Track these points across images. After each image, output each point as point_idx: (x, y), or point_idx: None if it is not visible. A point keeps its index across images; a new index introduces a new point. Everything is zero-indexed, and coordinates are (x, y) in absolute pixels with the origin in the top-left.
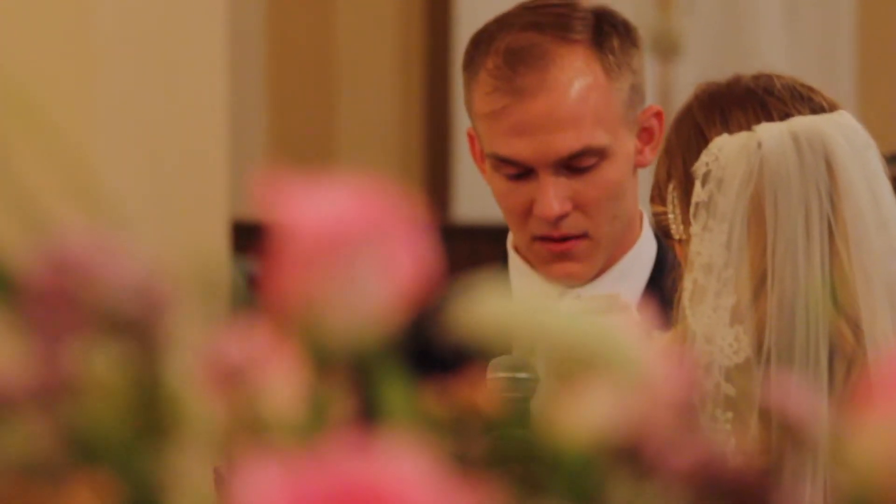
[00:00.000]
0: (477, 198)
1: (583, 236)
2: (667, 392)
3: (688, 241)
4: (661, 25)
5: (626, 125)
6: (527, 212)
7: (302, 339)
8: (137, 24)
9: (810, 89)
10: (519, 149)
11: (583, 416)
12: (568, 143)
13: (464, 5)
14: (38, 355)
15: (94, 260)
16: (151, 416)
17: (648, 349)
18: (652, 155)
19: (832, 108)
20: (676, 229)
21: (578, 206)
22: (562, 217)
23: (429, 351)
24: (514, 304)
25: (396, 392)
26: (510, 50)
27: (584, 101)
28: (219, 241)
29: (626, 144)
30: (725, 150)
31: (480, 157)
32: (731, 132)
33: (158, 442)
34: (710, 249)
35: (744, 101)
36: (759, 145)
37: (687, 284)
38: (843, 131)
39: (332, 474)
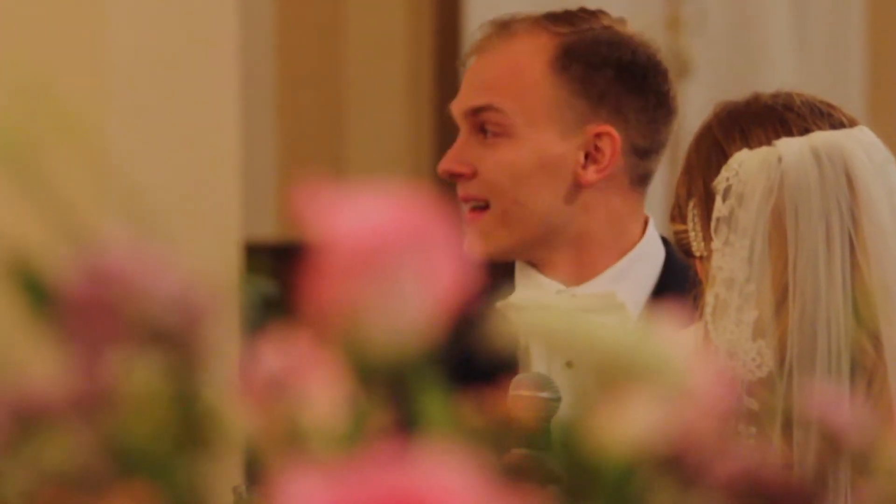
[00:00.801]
0: None
1: (484, 208)
2: (709, 401)
3: (709, 258)
4: (671, 46)
5: (553, 122)
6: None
7: (342, 349)
8: (147, 44)
9: (830, 106)
10: (454, 101)
11: (625, 426)
12: (474, 97)
13: (474, 26)
14: (78, 366)
15: (133, 271)
16: (191, 426)
17: (690, 360)
18: (594, 176)
19: (852, 124)
20: (697, 246)
21: (476, 175)
22: (455, 175)
23: (468, 360)
24: (553, 314)
25: (436, 402)
26: (493, 22)
27: (512, 71)
28: (230, 263)
29: (544, 140)
30: (746, 165)
31: None
32: (751, 148)
33: (198, 453)
34: (732, 264)
35: (763, 118)
36: (780, 160)
37: (709, 299)
38: (863, 146)
39: (373, 484)
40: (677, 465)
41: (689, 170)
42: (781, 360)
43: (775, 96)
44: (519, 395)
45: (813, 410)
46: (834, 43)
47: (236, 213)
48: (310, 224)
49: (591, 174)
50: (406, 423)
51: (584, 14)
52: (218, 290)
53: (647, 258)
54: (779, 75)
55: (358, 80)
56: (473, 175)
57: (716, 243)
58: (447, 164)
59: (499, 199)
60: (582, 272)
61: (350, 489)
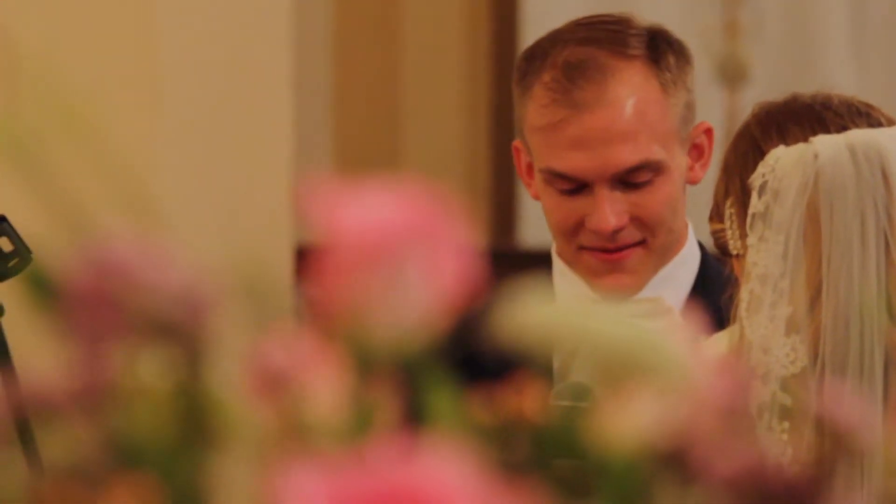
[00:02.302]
0: (543, 224)
1: (639, 244)
2: (713, 397)
3: (745, 255)
4: (728, 52)
5: (679, 141)
6: (577, 226)
7: (347, 343)
8: (201, 44)
9: (868, 106)
10: (576, 163)
11: (629, 421)
12: (626, 156)
13: (530, 27)
14: (81, 359)
15: (137, 264)
16: (194, 420)
17: (695, 355)
18: (702, 172)
19: (890, 124)
20: (734, 245)
21: (635, 220)
22: (617, 230)
23: (474, 356)
24: (559, 309)
25: (442, 397)
26: (568, 63)
27: (641, 115)
28: (283, 266)
29: (680, 160)
30: (782, 162)
31: (527, 170)
32: (787, 145)
33: (201, 446)
34: (767, 260)
35: (801, 116)
36: (816, 156)
37: (743, 295)
38: None
39: (374, 478)
40: (681, 461)
41: (726, 169)
42: (815, 355)
43: (814, 96)
44: (559, 406)
45: (831, 407)
46: (891, 47)
47: (289, 217)
48: (317, 220)
49: (698, 172)
50: (414, 418)
51: (622, 20)
52: (225, 283)
53: (688, 263)
54: (836, 79)
55: (414, 89)
56: (628, 223)
57: (751, 239)
58: (610, 224)
59: (658, 233)
60: None
61: (352, 483)
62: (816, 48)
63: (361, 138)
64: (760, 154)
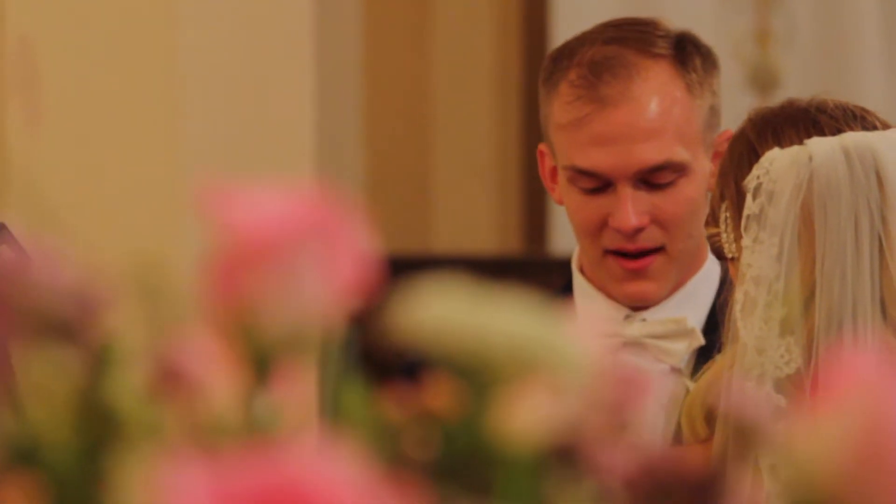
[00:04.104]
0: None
1: (659, 250)
2: (608, 394)
3: (740, 258)
4: (759, 60)
5: (703, 145)
6: (600, 226)
7: (241, 340)
8: (224, 59)
9: (863, 109)
10: (599, 159)
11: (523, 418)
12: (649, 154)
13: (561, 35)
14: None
15: (28, 264)
16: (90, 419)
17: (591, 353)
18: None
19: (885, 128)
20: (729, 248)
21: (656, 221)
22: (639, 230)
23: (380, 356)
24: (453, 306)
25: (347, 394)
26: (594, 61)
27: (666, 114)
28: None
29: (703, 164)
30: (776, 164)
31: (551, 175)
32: (782, 148)
33: (97, 446)
34: (761, 262)
35: (796, 120)
36: (810, 158)
37: (738, 297)
38: (895, 147)
39: (259, 476)
40: (578, 457)
41: (722, 173)
42: (808, 357)
43: (810, 101)
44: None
45: (738, 403)
46: None
47: None
48: (211, 217)
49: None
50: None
51: (650, 22)
52: (116, 283)
53: (709, 279)
54: (869, 88)
55: (444, 99)
56: (649, 224)
57: (745, 241)
58: (631, 222)
59: (676, 238)
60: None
61: (234, 481)
62: (848, 56)
63: (391, 151)
64: (756, 157)
